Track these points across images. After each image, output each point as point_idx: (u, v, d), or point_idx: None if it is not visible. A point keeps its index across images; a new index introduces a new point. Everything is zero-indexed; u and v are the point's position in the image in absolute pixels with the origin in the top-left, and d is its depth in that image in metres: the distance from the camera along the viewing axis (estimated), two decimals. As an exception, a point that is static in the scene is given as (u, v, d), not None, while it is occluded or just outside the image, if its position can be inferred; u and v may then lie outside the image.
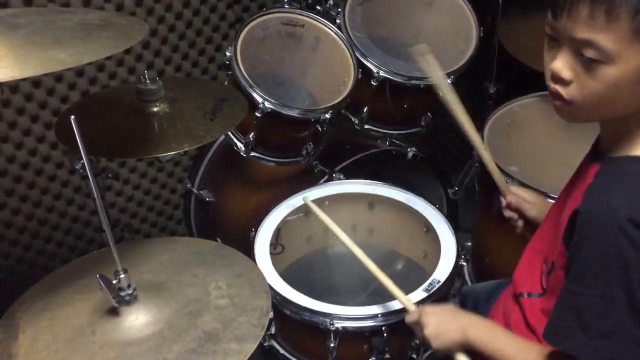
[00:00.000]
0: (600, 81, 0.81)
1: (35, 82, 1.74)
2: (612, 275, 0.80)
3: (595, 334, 0.82)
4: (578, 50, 0.81)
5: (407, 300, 1.17)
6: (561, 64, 0.83)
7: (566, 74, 0.83)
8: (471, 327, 1.01)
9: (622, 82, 0.80)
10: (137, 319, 0.97)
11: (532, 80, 1.82)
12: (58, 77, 1.77)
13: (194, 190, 1.92)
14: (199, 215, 1.99)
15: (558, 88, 0.85)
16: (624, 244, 0.78)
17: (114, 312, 0.98)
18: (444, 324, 1.04)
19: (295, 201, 1.54)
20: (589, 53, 0.80)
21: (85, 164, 0.85)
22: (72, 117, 0.82)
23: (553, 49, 0.85)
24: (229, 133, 1.66)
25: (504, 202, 1.26)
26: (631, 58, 0.79)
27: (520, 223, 1.24)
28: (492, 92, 2.20)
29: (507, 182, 1.34)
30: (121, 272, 0.95)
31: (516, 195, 1.24)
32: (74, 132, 0.84)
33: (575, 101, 0.84)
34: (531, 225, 1.22)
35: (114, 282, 0.95)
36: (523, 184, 1.53)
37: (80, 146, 0.83)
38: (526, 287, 1.04)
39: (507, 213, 1.26)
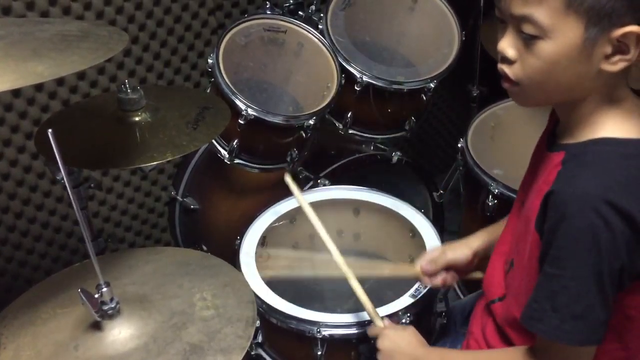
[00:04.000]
0: (540, 57, 0.83)
1: (15, 91, 1.72)
2: (585, 256, 0.81)
3: (568, 317, 0.83)
4: (519, 28, 0.84)
5: (375, 315, 1.16)
6: (505, 44, 0.86)
7: (510, 52, 0.86)
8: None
9: (560, 58, 0.82)
10: (120, 333, 0.96)
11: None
12: (38, 86, 1.75)
13: (179, 197, 1.91)
14: (184, 223, 1.97)
15: (504, 68, 0.88)
16: (598, 225, 0.79)
17: (97, 326, 0.96)
18: (396, 354, 1.08)
19: (281, 208, 1.53)
20: (527, 29, 0.82)
21: (65, 178, 0.83)
22: (50, 130, 0.80)
23: (502, 31, 0.87)
24: (213, 140, 1.65)
25: (423, 278, 1.22)
26: (567, 32, 0.81)
27: (450, 277, 1.21)
28: (475, 95, 2.21)
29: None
30: (103, 286, 0.94)
31: (428, 265, 1.21)
32: (51, 144, 0.82)
33: (520, 81, 0.87)
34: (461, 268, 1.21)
35: (96, 295, 0.94)
36: (507, 187, 1.54)
37: (58, 160, 0.82)
38: (494, 293, 1.05)
39: (435, 282, 1.21)
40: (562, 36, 0.81)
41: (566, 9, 0.80)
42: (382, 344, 1.10)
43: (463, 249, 1.19)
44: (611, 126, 0.86)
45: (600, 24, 0.79)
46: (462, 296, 1.73)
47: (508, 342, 1.00)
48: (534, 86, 0.87)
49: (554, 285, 0.84)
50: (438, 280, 1.21)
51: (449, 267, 1.21)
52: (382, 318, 1.16)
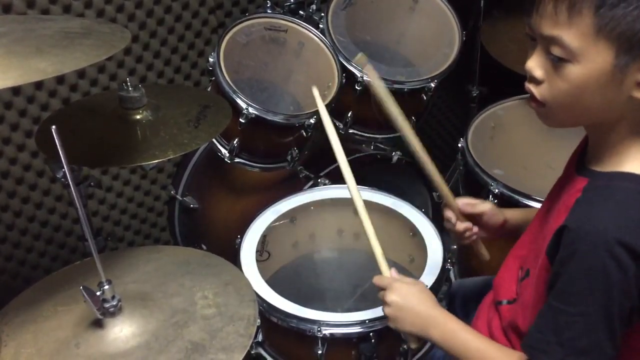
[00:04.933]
0: (568, 81, 0.82)
1: (15, 89, 1.72)
2: (595, 296, 0.80)
3: (572, 352, 0.83)
4: (547, 49, 0.82)
5: (384, 263, 1.13)
6: (533, 63, 0.85)
7: (538, 72, 0.84)
8: (433, 325, 1.00)
9: (589, 83, 0.81)
10: (122, 331, 0.96)
11: (515, 83, 1.84)
12: (38, 84, 1.75)
13: (178, 196, 1.90)
14: (183, 222, 1.97)
15: (531, 87, 0.86)
16: (611, 266, 0.78)
17: (98, 324, 0.96)
18: (405, 311, 1.03)
19: (281, 207, 1.53)
20: (556, 51, 0.81)
21: (68, 176, 0.83)
22: (54, 127, 0.80)
23: (531, 49, 0.86)
24: (213, 139, 1.65)
25: (451, 214, 1.19)
26: (596, 57, 0.79)
27: (475, 229, 1.19)
28: (475, 95, 2.21)
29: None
30: (105, 284, 0.94)
31: (466, 205, 1.19)
32: (55, 142, 0.82)
33: (547, 102, 0.85)
34: (489, 228, 1.19)
35: (98, 293, 0.94)
36: (507, 187, 1.54)
37: (62, 157, 0.82)
38: (504, 294, 1.04)
39: (460, 225, 1.19)
40: (591, 61, 0.79)
41: (596, 34, 0.77)
42: (389, 297, 1.04)
43: (498, 211, 1.19)
44: (637, 161, 0.84)
45: (632, 51, 0.77)
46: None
47: (511, 344, 1.00)
48: (560, 108, 0.85)
49: (560, 319, 0.83)
50: (463, 225, 1.18)
51: (478, 221, 1.19)
52: (390, 268, 1.12)
